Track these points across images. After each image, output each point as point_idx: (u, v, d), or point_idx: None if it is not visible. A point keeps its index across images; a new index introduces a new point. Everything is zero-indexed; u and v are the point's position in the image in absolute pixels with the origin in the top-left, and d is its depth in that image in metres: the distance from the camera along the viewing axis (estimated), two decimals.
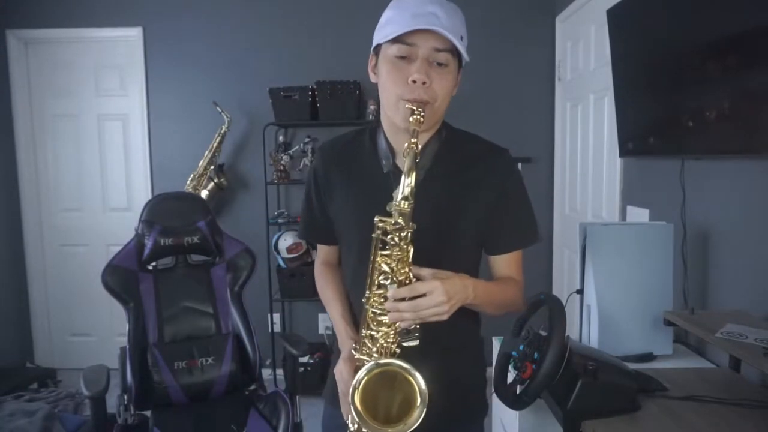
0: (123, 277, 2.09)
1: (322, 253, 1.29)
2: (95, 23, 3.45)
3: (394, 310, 0.93)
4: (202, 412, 1.98)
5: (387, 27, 0.99)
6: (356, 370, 0.99)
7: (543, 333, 1.30)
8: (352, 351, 1.03)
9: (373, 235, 0.95)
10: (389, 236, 0.93)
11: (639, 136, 2.13)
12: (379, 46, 1.03)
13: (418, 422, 0.91)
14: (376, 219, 0.94)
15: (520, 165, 3.37)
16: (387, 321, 0.96)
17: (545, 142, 3.44)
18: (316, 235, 1.26)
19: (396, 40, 0.97)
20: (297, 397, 2.02)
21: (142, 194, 3.50)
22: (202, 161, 3.30)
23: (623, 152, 2.27)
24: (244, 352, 2.14)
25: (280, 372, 3.28)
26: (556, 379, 1.26)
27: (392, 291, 0.93)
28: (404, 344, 0.97)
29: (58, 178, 3.66)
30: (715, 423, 1.24)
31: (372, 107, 3.23)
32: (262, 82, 3.30)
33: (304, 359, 3.07)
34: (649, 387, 1.38)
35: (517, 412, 1.73)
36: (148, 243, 2.12)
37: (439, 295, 0.91)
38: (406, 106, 0.98)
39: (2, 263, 3.51)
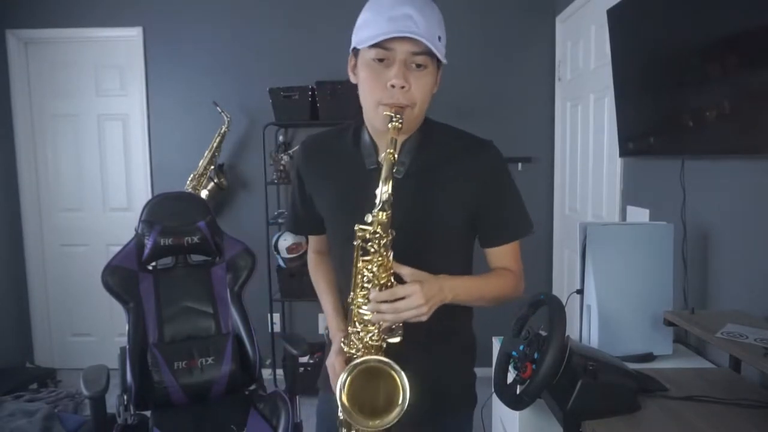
0: (123, 277, 2.08)
1: (314, 243, 1.34)
2: (95, 23, 3.45)
3: (376, 311, 0.97)
4: (202, 412, 1.98)
5: (364, 30, 0.99)
6: (347, 362, 1.04)
7: (543, 333, 1.30)
8: (342, 345, 1.07)
9: (354, 243, 0.98)
10: (369, 243, 0.97)
11: (639, 136, 2.13)
12: (357, 48, 1.03)
13: (399, 416, 0.95)
14: (356, 227, 0.96)
15: (519, 165, 3.38)
16: (371, 320, 1.00)
17: (545, 142, 3.43)
18: (303, 227, 1.31)
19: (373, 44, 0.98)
20: (297, 397, 2.02)
21: (142, 194, 3.50)
22: (202, 161, 3.30)
23: (623, 152, 2.27)
24: (244, 352, 2.13)
25: (280, 372, 3.28)
26: (556, 379, 1.26)
27: (373, 294, 0.97)
28: (388, 341, 1.01)
29: (58, 178, 3.66)
30: (715, 423, 1.24)
31: None
32: (262, 82, 3.30)
33: (304, 359, 3.07)
34: (649, 387, 1.38)
35: (517, 412, 1.73)
36: (148, 243, 2.12)
37: (417, 298, 0.95)
38: (385, 113, 0.99)
39: (2, 263, 3.51)
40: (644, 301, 1.71)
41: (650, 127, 2.03)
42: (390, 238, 0.97)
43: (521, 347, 1.35)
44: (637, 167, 2.38)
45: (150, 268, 2.19)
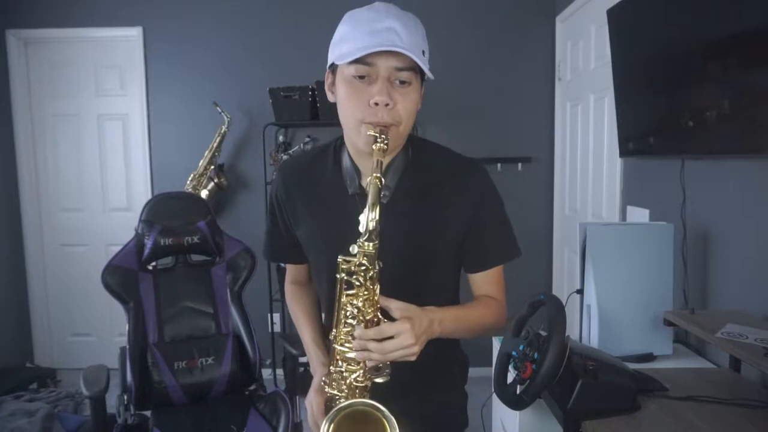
0: (123, 277, 2.08)
1: (291, 273, 1.25)
2: (95, 23, 3.45)
3: (362, 349, 0.88)
4: (202, 412, 1.98)
5: (343, 45, 0.92)
6: (327, 402, 0.98)
7: (543, 333, 1.30)
8: (322, 383, 1.00)
9: (337, 275, 0.90)
10: (354, 276, 0.89)
11: (639, 136, 2.13)
12: (335, 64, 0.96)
13: None
14: (339, 259, 0.89)
15: (519, 165, 3.38)
16: (356, 359, 0.92)
17: (545, 142, 3.43)
18: (283, 255, 1.22)
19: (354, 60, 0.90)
20: (297, 397, 2.02)
21: (142, 194, 3.50)
22: (202, 161, 3.30)
23: (623, 152, 2.27)
24: (244, 352, 2.13)
25: (280, 372, 3.28)
26: (556, 379, 1.26)
27: (359, 332, 0.88)
28: (375, 380, 0.93)
29: (58, 178, 3.66)
30: (715, 423, 1.24)
31: None
32: (262, 82, 3.30)
33: (304, 359, 3.06)
34: (649, 387, 1.38)
35: (517, 412, 1.73)
36: (148, 243, 2.12)
37: (407, 338, 0.86)
38: (369, 133, 0.91)
39: (2, 263, 3.50)
40: (644, 301, 1.71)
41: (650, 127, 2.03)
42: (377, 270, 0.88)
43: (521, 347, 1.34)
44: (637, 167, 2.38)
45: (150, 268, 2.19)
